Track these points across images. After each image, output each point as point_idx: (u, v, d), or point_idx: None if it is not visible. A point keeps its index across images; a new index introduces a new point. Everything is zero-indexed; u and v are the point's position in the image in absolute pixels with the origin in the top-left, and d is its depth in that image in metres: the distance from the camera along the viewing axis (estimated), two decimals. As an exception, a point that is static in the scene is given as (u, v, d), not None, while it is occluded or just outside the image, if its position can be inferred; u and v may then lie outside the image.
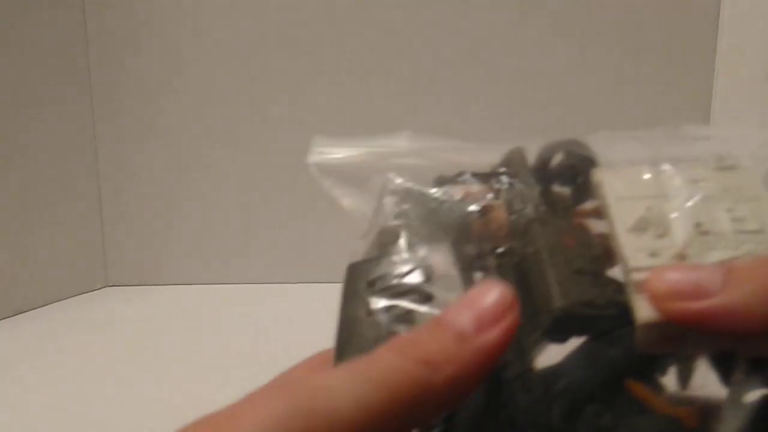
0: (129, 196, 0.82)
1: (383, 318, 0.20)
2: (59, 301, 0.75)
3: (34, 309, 0.72)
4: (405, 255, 0.21)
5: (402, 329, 0.19)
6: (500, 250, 0.21)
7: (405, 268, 0.21)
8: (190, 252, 0.81)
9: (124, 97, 0.80)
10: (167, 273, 0.81)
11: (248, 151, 0.78)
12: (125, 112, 0.81)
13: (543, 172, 0.23)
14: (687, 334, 0.18)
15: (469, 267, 0.21)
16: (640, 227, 0.20)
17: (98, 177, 0.82)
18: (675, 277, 0.19)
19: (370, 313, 0.20)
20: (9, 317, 0.70)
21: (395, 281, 0.20)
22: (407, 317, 0.20)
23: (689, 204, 0.21)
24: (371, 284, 0.21)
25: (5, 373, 0.57)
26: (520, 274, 0.21)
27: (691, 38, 0.68)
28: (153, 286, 0.80)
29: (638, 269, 0.19)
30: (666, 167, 0.22)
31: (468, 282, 0.21)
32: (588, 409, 0.19)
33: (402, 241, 0.21)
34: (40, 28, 0.73)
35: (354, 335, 0.20)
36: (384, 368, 0.16)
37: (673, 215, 0.20)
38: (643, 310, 0.19)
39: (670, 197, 0.21)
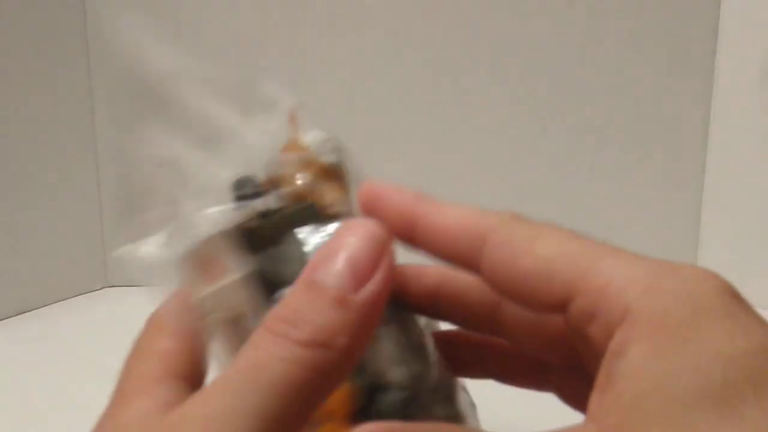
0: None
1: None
2: (59, 301, 0.75)
3: (34, 309, 0.72)
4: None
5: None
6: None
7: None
8: (190, 252, 0.80)
9: (125, 97, 0.80)
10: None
11: (248, 151, 0.78)
12: (126, 111, 0.80)
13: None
14: None
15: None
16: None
17: (98, 177, 0.82)
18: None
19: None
20: (9, 317, 0.70)
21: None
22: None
23: None
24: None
25: (5, 373, 0.57)
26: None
27: (691, 38, 0.68)
28: (153, 287, 0.80)
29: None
30: None
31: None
32: None
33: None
34: (40, 26, 0.73)
35: None
36: (272, 370, 0.14)
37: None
38: None
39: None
